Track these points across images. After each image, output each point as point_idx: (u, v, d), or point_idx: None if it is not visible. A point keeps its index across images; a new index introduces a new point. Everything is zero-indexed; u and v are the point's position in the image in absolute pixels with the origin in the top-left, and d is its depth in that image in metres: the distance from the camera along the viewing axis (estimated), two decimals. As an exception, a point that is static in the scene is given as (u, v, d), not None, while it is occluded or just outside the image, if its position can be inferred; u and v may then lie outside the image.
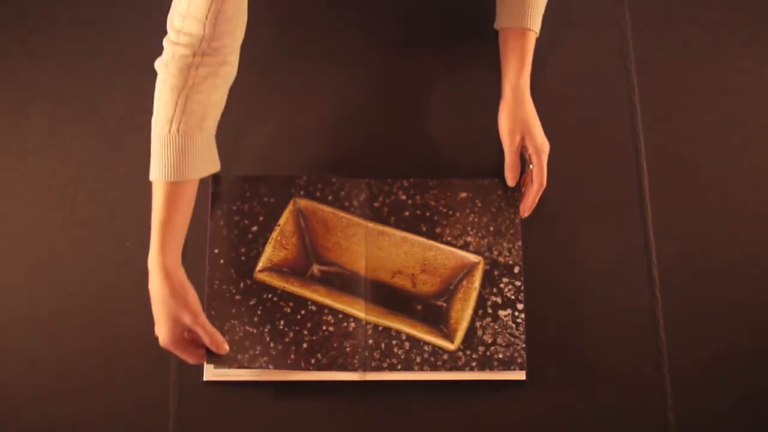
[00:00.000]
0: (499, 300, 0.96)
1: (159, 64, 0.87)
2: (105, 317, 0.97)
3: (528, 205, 0.97)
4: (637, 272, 1.01)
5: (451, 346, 0.95)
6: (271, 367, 0.93)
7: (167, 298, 0.86)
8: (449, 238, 0.98)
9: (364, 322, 0.95)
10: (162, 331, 0.87)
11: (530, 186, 0.97)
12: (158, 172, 0.86)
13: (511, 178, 0.98)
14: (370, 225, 0.98)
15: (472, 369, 0.94)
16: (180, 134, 0.85)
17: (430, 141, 1.04)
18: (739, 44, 1.09)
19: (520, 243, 0.98)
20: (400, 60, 1.07)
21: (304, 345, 0.94)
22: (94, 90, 1.04)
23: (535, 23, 0.98)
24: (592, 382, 0.97)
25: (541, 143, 0.96)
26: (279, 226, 0.97)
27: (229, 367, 0.93)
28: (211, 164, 0.91)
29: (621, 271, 1.01)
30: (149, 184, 0.87)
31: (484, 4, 1.04)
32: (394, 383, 0.95)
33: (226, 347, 0.91)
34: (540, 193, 0.97)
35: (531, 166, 0.97)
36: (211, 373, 0.94)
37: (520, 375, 0.95)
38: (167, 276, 0.86)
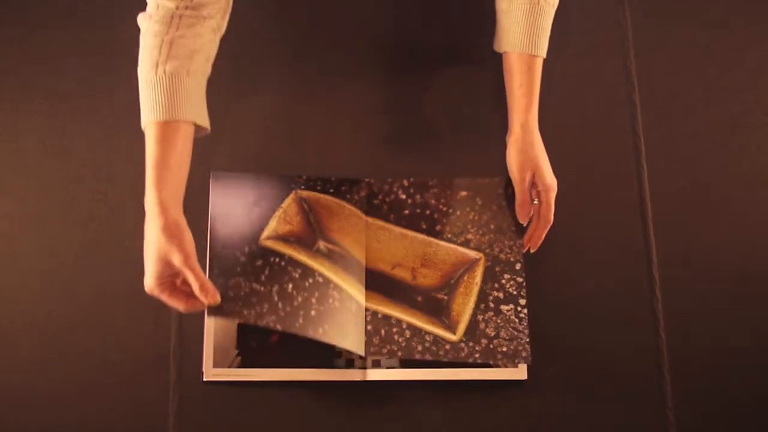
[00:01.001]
0: (501, 295, 0.96)
1: (142, 17, 0.87)
2: (105, 317, 0.97)
3: (534, 241, 0.97)
4: (637, 272, 1.01)
5: (453, 337, 0.94)
6: (279, 327, 0.91)
7: (159, 235, 0.81)
8: (449, 236, 0.98)
9: (363, 307, 0.94)
10: (148, 273, 0.82)
11: (536, 222, 0.96)
12: (148, 115, 0.84)
13: (523, 215, 0.97)
14: (370, 220, 0.98)
15: (475, 360, 0.94)
16: (167, 76, 0.84)
17: (430, 142, 1.04)
18: (739, 44, 1.09)
19: (521, 240, 0.98)
20: (401, 60, 1.07)
21: (312, 312, 0.92)
22: (94, 90, 1.04)
23: (542, 48, 0.96)
24: (592, 382, 0.97)
25: (549, 182, 0.95)
26: (282, 208, 0.97)
27: (232, 320, 0.92)
28: (201, 113, 0.88)
29: (621, 271, 1.01)
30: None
31: (484, 4, 1.04)
32: (394, 383, 0.95)
33: (218, 298, 0.84)
34: (546, 230, 0.96)
35: (535, 202, 0.96)
36: (211, 373, 0.94)
37: (521, 375, 0.95)
38: (162, 211, 0.82)
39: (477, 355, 0.93)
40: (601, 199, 1.03)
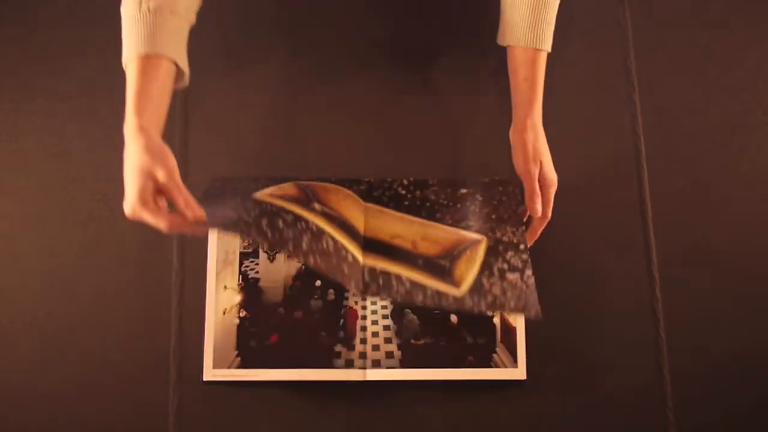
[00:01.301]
0: (506, 266, 0.90)
1: None
2: (105, 317, 0.97)
3: (531, 236, 0.95)
4: (637, 272, 1.01)
5: (457, 292, 0.87)
6: (265, 247, 0.88)
7: (142, 154, 0.80)
8: (450, 221, 0.95)
9: (361, 263, 0.87)
10: (130, 192, 0.79)
11: (534, 218, 0.95)
12: (130, 49, 0.84)
13: (533, 207, 0.93)
14: (369, 205, 0.96)
15: (481, 311, 0.88)
16: (151, 12, 0.84)
17: (430, 142, 1.04)
18: (739, 44, 1.09)
19: (523, 228, 0.95)
20: (401, 60, 1.07)
21: (304, 246, 0.86)
22: (94, 90, 1.04)
23: (547, 42, 0.95)
24: (592, 382, 0.97)
25: (551, 177, 0.94)
26: (279, 186, 0.95)
27: (218, 230, 0.90)
28: (182, 56, 0.88)
29: (621, 271, 1.01)
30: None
31: (485, 4, 1.04)
32: (394, 383, 0.95)
33: (203, 214, 0.82)
34: (543, 226, 0.95)
35: None
36: (210, 373, 0.94)
37: (521, 375, 0.95)
38: (143, 134, 0.81)
39: (483, 307, 0.86)
40: (601, 199, 1.03)
